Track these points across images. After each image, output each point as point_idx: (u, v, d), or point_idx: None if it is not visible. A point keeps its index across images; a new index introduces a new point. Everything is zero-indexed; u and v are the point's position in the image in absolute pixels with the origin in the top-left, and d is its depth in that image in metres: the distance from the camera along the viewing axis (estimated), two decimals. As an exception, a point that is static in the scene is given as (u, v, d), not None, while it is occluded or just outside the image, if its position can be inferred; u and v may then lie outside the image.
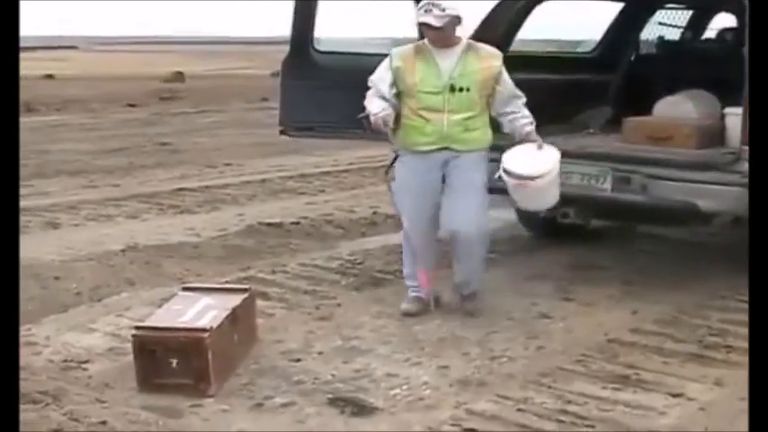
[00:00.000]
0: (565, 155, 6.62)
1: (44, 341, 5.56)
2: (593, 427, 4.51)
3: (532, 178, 5.76)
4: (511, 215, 8.12)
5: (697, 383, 4.98)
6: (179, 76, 25.42)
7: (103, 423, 4.39)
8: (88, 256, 7.44)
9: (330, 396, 4.80)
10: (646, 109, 7.10)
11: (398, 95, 5.86)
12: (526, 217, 7.88)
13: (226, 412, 4.62)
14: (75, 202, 9.58)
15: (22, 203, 9.32)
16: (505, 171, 5.76)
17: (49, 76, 24.79)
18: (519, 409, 4.69)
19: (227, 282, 6.50)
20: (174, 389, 4.77)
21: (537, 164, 5.79)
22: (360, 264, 6.87)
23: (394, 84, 5.84)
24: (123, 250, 7.62)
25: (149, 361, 4.86)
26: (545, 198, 6.01)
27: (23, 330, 5.70)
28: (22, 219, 8.72)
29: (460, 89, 5.76)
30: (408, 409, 4.70)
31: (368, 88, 5.87)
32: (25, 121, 16.64)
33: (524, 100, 5.94)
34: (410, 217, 5.94)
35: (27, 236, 8.21)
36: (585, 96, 7.71)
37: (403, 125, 5.86)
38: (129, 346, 5.03)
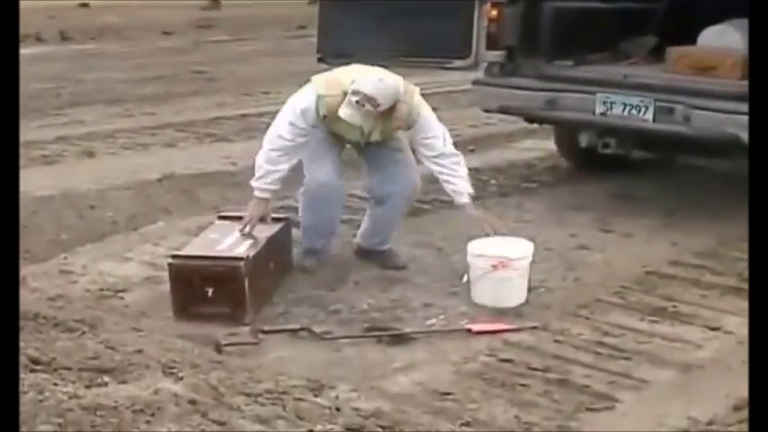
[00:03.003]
0: (607, 84, 6.54)
1: (80, 270, 5.58)
2: (629, 359, 4.49)
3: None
4: (550, 145, 8.05)
5: (735, 317, 4.92)
6: (216, 4, 25.20)
7: (140, 351, 4.40)
8: (124, 185, 7.44)
9: (366, 325, 4.80)
10: (690, 38, 6.96)
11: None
12: (566, 147, 7.79)
13: (262, 341, 4.62)
14: (111, 131, 9.55)
15: (59, 132, 9.38)
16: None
17: (84, 5, 24.65)
18: (556, 341, 4.68)
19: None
20: (210, 317, 4.78)
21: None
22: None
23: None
24: (159, 179, 7.60)
25: (185, 290, 4.87)
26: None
27: (60, 259, 5.75)
28: (59, 147, 8.76)
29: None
30: (445, 338, 4.70)
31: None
32: (60, 49, 16.65)
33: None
34: (328, 172, 5.46)
35: (63, 165, 8.25)
36: (629, 25, 7.55)
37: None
38: (165, 274, 5.05)
